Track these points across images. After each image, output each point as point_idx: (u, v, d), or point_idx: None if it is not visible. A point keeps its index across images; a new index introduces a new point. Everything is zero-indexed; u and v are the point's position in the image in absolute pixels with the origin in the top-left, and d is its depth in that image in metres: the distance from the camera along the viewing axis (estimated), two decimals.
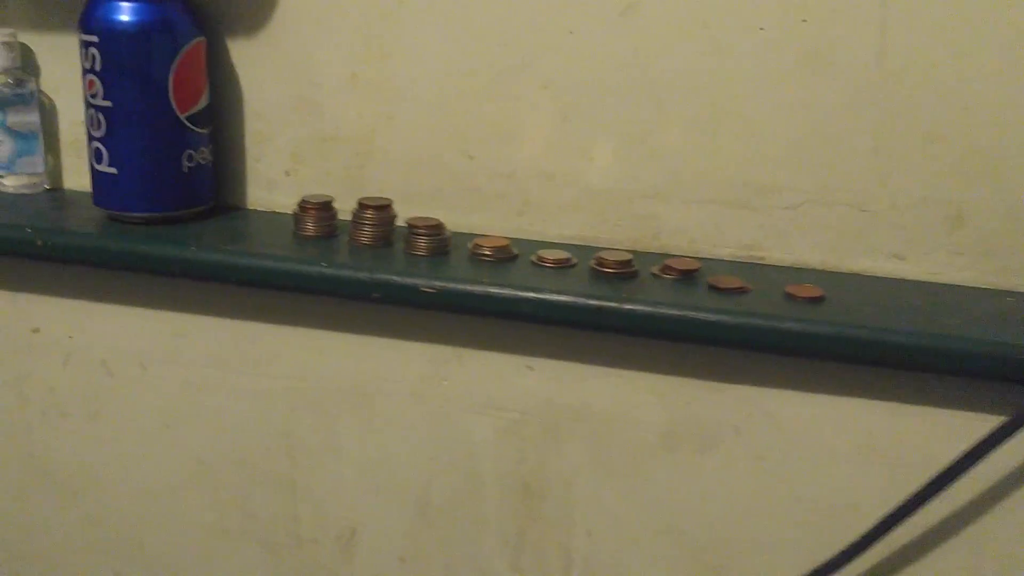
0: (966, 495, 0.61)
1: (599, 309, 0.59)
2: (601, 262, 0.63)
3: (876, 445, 0.61)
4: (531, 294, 0.60)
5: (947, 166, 0.61)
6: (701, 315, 0.58)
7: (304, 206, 0.68)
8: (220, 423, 0.74)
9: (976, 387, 0.58)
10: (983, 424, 0.57)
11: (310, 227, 0.68)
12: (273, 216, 0.73)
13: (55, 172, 0.78)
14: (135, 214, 0.69)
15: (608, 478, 0.67)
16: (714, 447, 0.64)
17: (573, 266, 0.64)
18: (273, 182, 0.73)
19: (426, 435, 0.70)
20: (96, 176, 0.69)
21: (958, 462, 0.57)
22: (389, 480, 0.72)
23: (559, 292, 0.60)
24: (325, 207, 0.68)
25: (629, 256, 0.63)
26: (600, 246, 0.68)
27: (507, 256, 0.65)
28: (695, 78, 0.63)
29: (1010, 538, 0.60)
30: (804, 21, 0.61)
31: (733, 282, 0.61)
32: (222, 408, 0.74)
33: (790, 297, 0.60)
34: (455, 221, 0.70)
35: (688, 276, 0.63)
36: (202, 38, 0.68)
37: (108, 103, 0.66)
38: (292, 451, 0.73)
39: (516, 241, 0.68)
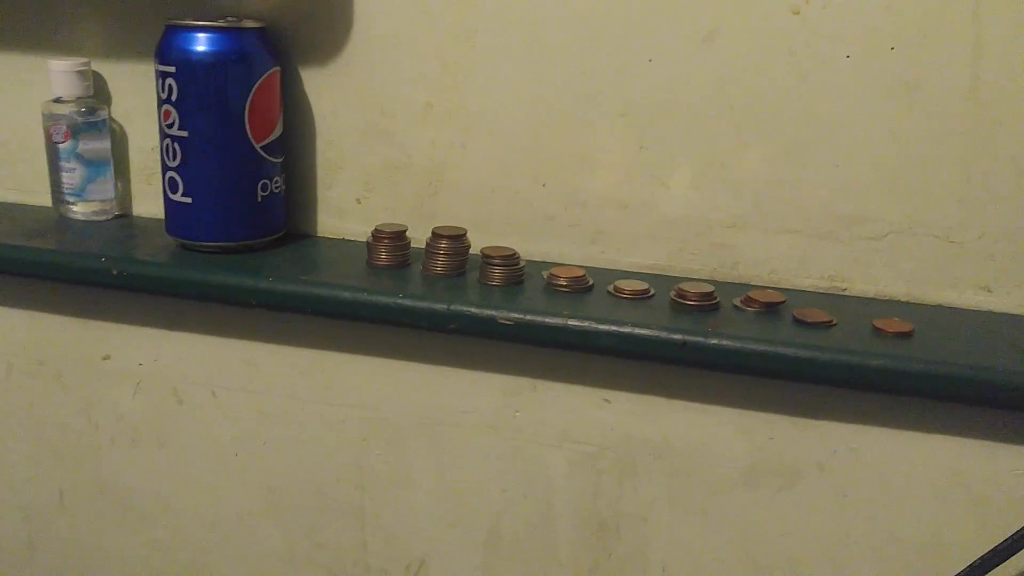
0: None
1: (683, 343, 0.58)
2: (682, 294, 0.62)
3: (966, 484, 0.60)
4: (611, 327, 0.60)
5: None
6: (790, 351, 0.57)
7: (377, 235, 0.68)
8: (290, 452, 0.74)
9: None
10: None
11: (383, 256, 0.68)
12: (344, 244, 0.73)
13: (124, 199, 0.79)
14: (209, 243, 0.69)
15: (686, 514, 0.66)
16: (797, 483, 0.63)
17: (651, 297, 0.64)
18: (344, 210, 0.73)
19: (499, 467, 0.69)
20: (170, 205, 0.69)
21: None
22: (460, 511, 0.71)
23: (640, 325, 0.59)
24: (398, 236, 0.68)
25: (711, 288, 0.62)
26: (676, 275, 0.67)
27: (583, 286, 0.65)
28: (778, 105, 0.62)
29: None
30: (892, 49, 0.60)
31: (819, 316, 0.60)
32: (292, 437, 0.74)
33: (878, 332, 0.59)
34: (528, 249, 0.70)
35: (772, 309, 0.62)
36: (277, 68, 0.69)
37: (184, 133, 0.66)
38: (362, 480, 0.73)
39: (591, 270, 0.67)
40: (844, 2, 0.60)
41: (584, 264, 0.69)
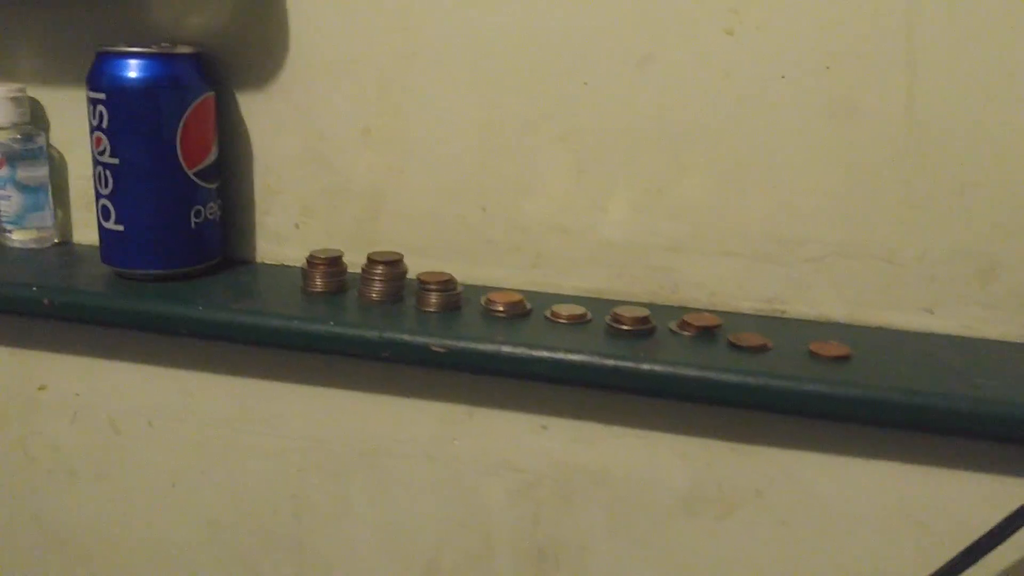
0: (1002, 563, 0.58)
1: (615, 369, 0.58)
2: (617, 318, 0.62)
3: (907, 511, 0.59)
4: (544, 353, 0.59)
5: (980, 217, 0.60)
6: (721, 376, 0.57)
7: (312, 261, 0.68)
8: (228, 483, 0.74)
9: (1012, 451, 0.56)
10: (1020, 489, 0.55)
11: (319, 283, 0.67)
12: (282, 270, 0.73)
13: (65, 226, 0.78)
14: (143, 271, 0.69)
15: (626, 543, 0.65)
16: (736, 511, 0.63)
17: (588, 322, 0.63)
18: (282, 236, 0.73)
19: (437, 496, 0.69)
20: (104, 233, 0.69)
21: (994, 530, 0.54)
22: (399, 543, 0.71)
23: (573, 351, 0.59)
24: (334, 262, 0.68)
25: (646, 312, 0.62)
26: (616, 299, 0.67)
27: (520, 312, 0.65)
28: (715, 128, 0.63)
29: None
30: (828, 68, 0.60)
31: (754, 339, 0.60)
32: (230, 468, 0.73)
33: (814, 356, 0.58)
34: (469, 274, 0.69)
35: (708, 333, 0.62)
36: (211, 93, 0.69)
37: (115, 160, 0.66)
38: (300, 512, 0.72)
39: (531, 295, 0.67)
40: (778, 22, 0.60)
41: (525, 288, 0.69)
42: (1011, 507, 0.54)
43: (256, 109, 0.71)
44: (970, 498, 0.58)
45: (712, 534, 0.63)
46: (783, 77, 0.61)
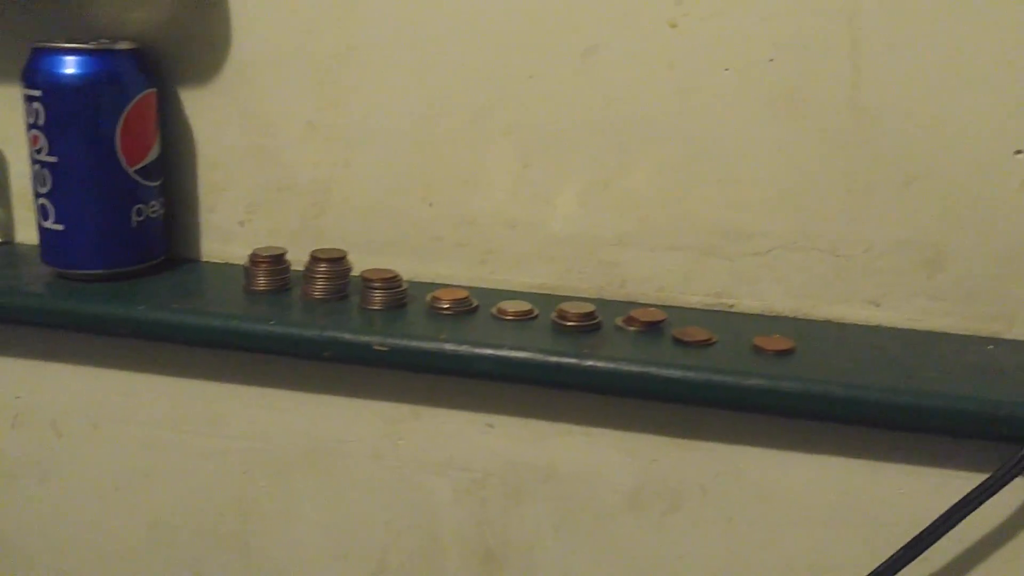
0: (946, 555, 0.59)
1: (559, 366, 0.58)
2: (563, 315, 0.62)
3: (852, 504, 0.60)
4: (488, 351, 0.59)
5: (925, 208, 0.60)
6: (663, 371, 0.57)
7: (255, 259, 0.67)
8: (173, 484, 0.73)
9: (955, 444, 0.57)
10: (964, 482, 0.55)
11: (261, 281, 0.67)
12: (227, 268, 0.72)
13: (7, 225, 0.77)
14: (83, 271, 0.68)
15: (573, 540, 0.66)
16: (681, 507, 0.63)
17: (535, 318, 0.63)
18: (228, 233, 0.73)
19: (384, 496, 0.69)
20: (43, 233, 0.68)
21: (938, 522, 0.55)
22: (346, 543, 0.70)
23: (517, 348, 0.59)
24: (276, 260, 0.67)
25: (591, 308, 0.62)
26: (565, 295, 0.67)
27: (466, 309, 0.64)
28: (661, 121, 0.63)
29: None
30: (771, 60, 0.60)
31: (699, 334, 0.60)
32: (175, 469, 0.73)
33: (758, 350, 0.58)
34: (416, 270, 0.69)
35: (653, 328, 0.61)
36: (152, 89, 0.68)
37: (53, 159, 0.65)
38: (246, 513, 0.72)
39: (478, 291, 0.67)
40: (720, 14, 0.60)
41: (474, 284, 0.68)
42: (954, 499, 0.55)
43: (199, 105, 0.71)
44: (915, 491, 0.58)
45: (658, 529, 0.64)
46: (727, 69, 0.61)
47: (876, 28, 0.58)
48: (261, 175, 0.71)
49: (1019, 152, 0.58)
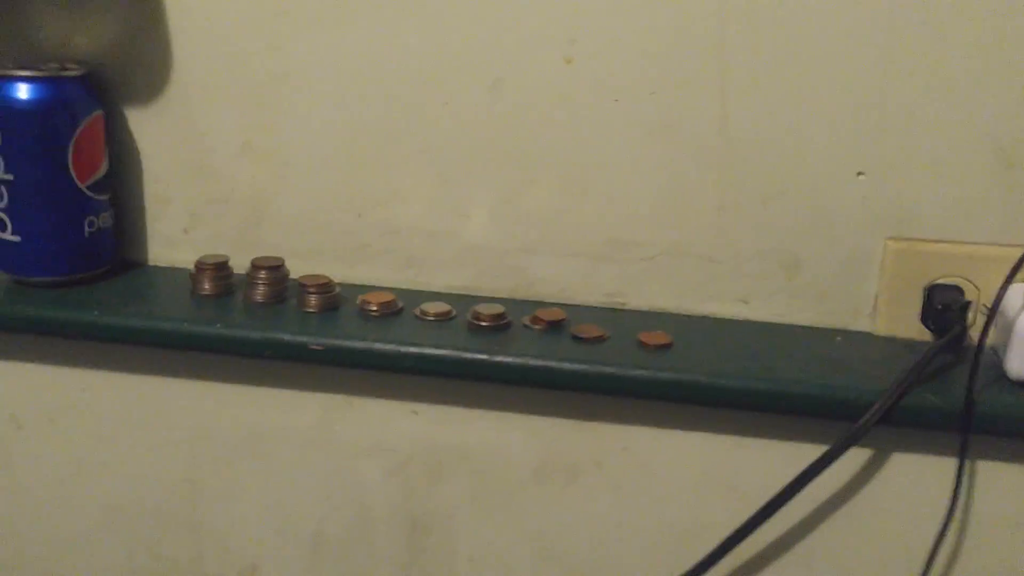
0: (795, 517, 0.70)
1: (473, 361, 0.67)
2: (477, 316, 0.71)
3: (719, 475, 0.71)
4: (412, 348, 0.68)
5: (784, 220, 0.70)
6: (563, 365, 0.66)
7: (200, 266, 0.74)
8: (126, 472, 0.80)
9: (802, 423, 0.67)
10: (809, 453, 0.64)
11: (207, 286, 0.74)
12: (173, 273, 0.79)
13: None
14: (40, 278, 0.75)
15: (487, 511, 0.75)
16: (578, 480, 0.73)
17: (453, 318, 0.72)
18: (173, 240, 0.80)
19: (320, 477, 0.77)
20: (1, 244, 0.74)
21: (787, 487, 0.64)
22: (287, 520, 0.79)
23: (438, 346, 0.68)
24: (220, 267, 0.75)
25: (501, 309, 0.71)
26: (481, 296, 0.76)
27: (393, 310, 0.73)
28: (558, 144, 0.71)
29: (836, 553, 0.70)
30: (653, 94, 0.69)
31: (593, 331, 0.70)
32: (127, 458, 0.80)
33: (642, 345, 0.69)
34: (347, 274, 0.77)
35: (555, 326, 0.71)
36: (100, 111, 0.75)
37: (10, 177, 0.72)
38: (195, 496, 0.80)
39: (404, 293, 0.75)
40: (609, 52, 0.69)
41: (400, 287, 0.77)
42: (801, 469, 0.65)
43: (144, 124, 0.77)
44: (769, 463, 0.69)
45: (559, 500, 0.74)
46: (616, 100, 0.70)
47: (741, 64, 0.67)
48: (202, 189, 0.78)
49: (860, 174, 0.68)
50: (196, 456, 0.79)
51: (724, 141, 0.69)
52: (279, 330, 0.70)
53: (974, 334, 0.68)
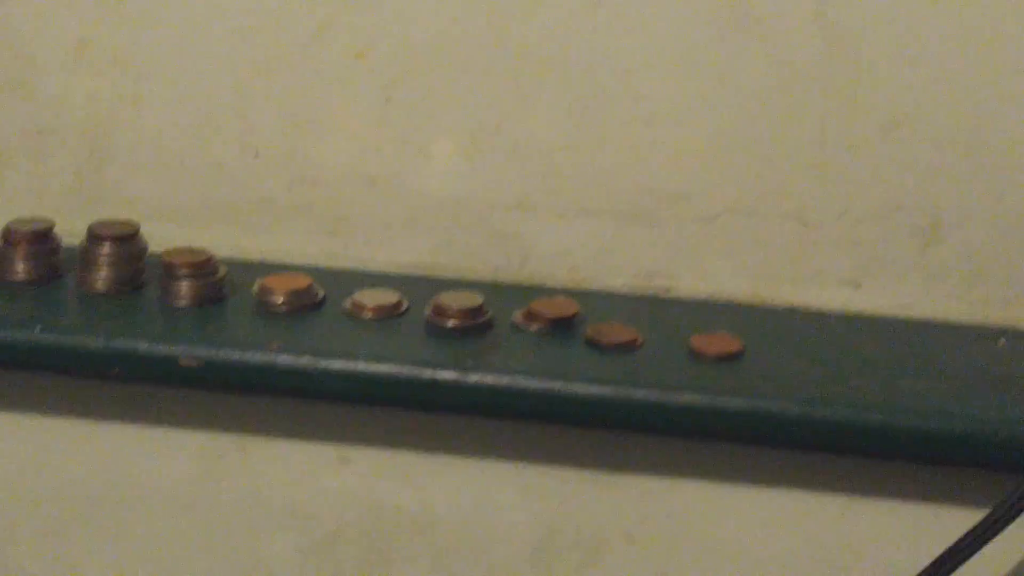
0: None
1: (433, 382, 0.63)
2: (440, 310, 0.67)
3: (818, 554, 0.68)
4: (339, 363, 0.64)
5: (916, 160, 0.67)
6: (574, 387, 0.62)
7: (10, 237, 0.70)
8: None
9: (948, 474, 0.65)
10: (961, 521, 0.62)
11: (20, 268, 0.70)
12: None
13: None
14: None
15: None
16: (601, 560, 0.70)
17: (403, 314, 0.68)
18: None
19: (201, 558, 0.74)
20: None
21: (925, 571, 0.62)
22: None
23: (379, 359, 0.64)
24: (40, 238, 0.70)
25: (479, 300, 0.67)
26: (447, 277, 0.73)
27: (309, 303, 0.69)
28: (570, 45, 0.68)
29: None
30: None
31: (620, 334, 0.66)
32: None
33: (695, 355, 0.65)
34: (238, 247, 0.74)
35: (562, 325, 0.67)
36: None
37: None
38: None
39: (325, 275, 0.71)
40: None
41: (318, 265, 0.73)
42: (950, 540, 0.61)
43: None
44: (898, 532, 0.67)
45: None
46: None
47: None
48: (14, 116, 0.74)
49: None
50: (13, 521, 0.76)
51: (826, 41, 0.66)
52: (133, 336, 0.66)
53: None
